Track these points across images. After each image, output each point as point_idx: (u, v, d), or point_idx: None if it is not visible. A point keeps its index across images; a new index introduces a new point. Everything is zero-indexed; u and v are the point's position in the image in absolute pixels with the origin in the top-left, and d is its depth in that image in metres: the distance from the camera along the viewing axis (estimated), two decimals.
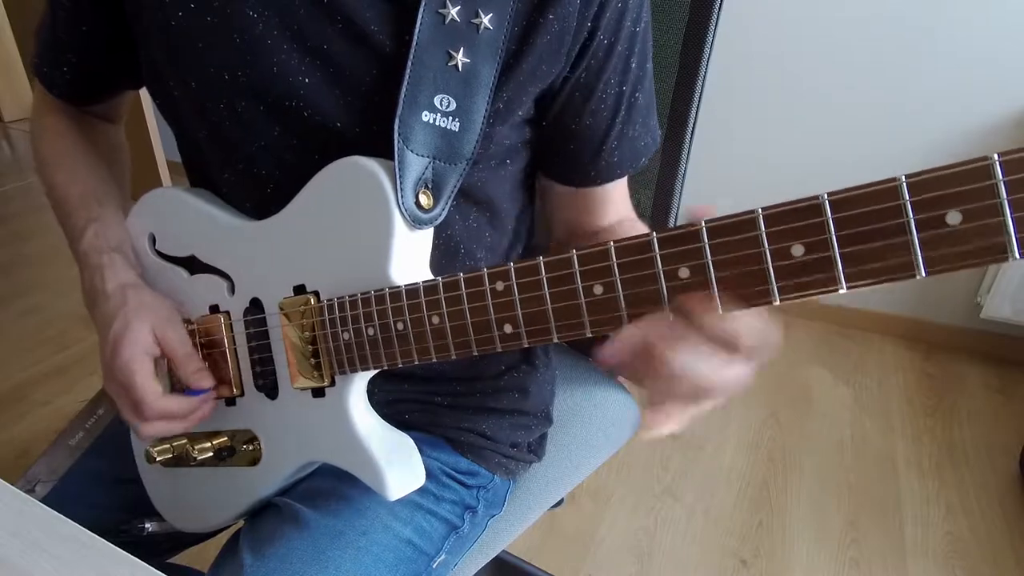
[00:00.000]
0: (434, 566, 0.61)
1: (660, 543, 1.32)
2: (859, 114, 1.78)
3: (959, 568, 1.27)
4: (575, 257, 0.39)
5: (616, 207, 0.64)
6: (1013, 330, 1.84)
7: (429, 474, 0.62)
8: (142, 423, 0.55)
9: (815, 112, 1.83)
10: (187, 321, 0.60)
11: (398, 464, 0.51)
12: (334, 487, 0.59)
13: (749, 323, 0.36)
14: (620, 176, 0.62)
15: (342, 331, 0.51)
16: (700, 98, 0.69)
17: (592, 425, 0.81)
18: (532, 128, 0.58)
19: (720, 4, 0.64)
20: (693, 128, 0.70)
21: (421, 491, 0.61)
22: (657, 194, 0.75)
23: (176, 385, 0.59)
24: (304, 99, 0.51)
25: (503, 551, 0.73)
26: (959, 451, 1.55)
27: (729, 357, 0.37)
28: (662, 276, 0.36)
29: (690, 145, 0.71)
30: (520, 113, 0.54)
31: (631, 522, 1.36)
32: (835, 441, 1.58)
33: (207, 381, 0.57)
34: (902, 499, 1.42)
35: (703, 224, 0.34)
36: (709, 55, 0.66)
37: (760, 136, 1.92)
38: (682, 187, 0.73)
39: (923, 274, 0.30)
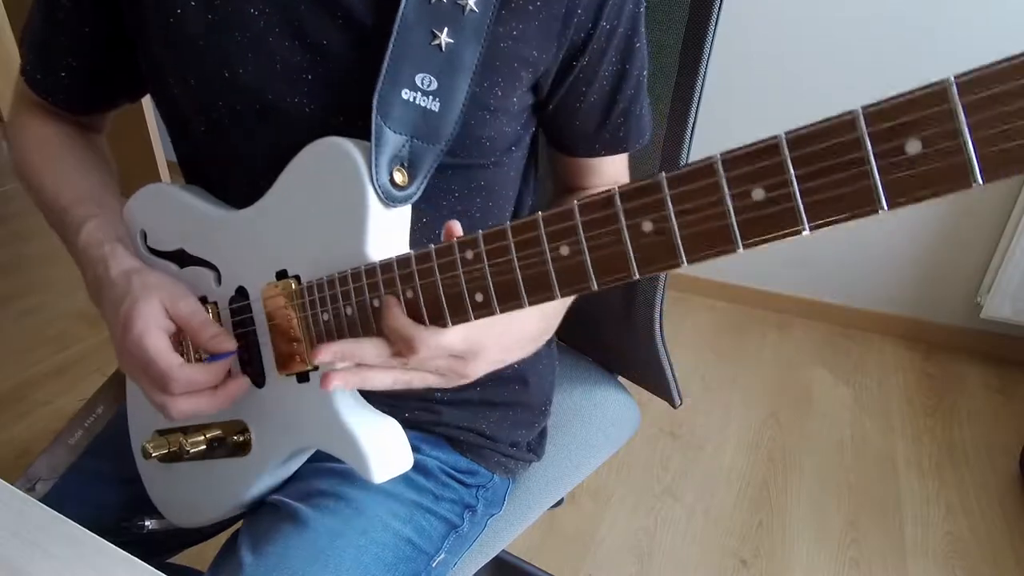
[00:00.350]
0: (434, 565, 0.61)
1: (660, 543, 1.32)
2: None
3: (959, 568, 1.27)
4: (540, 219, 0.39)
5: (610, 173, 0.67)
6: (1013, 330, 1.84)
7: (428, 473, 0.62)
8: (169, 399, 0.51)
9: (815, 112, 1.81)
10: None
11: (383, 447, 0.51)
12: (333, 486, 0.59)
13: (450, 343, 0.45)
14: (625, 150, 0.65)
15: (321, 312, 0.51)
16: (700, 98, 0.68)
17: (592, 425, 0.81)
18: (532, 113, 0.59)
19: (720, 4, 0.64)
20: (693, 128, 0.70)
21: (420, 490, 0.61)
22: None
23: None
24: (306, 95, 0.51)
25: (503, 551, 0.73)
26: (959, 451, 1.55)
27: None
28: (626, 231, 0.36)
29: (690, 145, 0.71)
30: (515, 100, 0.54)
31: (631, 522, 1.36)
32: (835, 441, 1.58)
33: (229, 343, 0.54)
34: (902, 499, 1.42)
35: (663, 175, 0.34)
36: (709, 55, 0.66)
37: (760, 136, 1.92)
38: None
39: (885, 207, 0.29)
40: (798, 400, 1.71)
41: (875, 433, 1.60)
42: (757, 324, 2.04)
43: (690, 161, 0.34)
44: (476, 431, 0.66)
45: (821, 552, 1.30)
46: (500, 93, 0.53)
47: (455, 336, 0.46)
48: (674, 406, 0.85)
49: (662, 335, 0.80)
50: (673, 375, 0.83)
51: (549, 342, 0.73)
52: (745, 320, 2.06)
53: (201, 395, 0.53)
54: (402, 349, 0.46)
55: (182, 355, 0.55)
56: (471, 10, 0.49)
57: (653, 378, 0.84)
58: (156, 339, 0.51)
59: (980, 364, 1.86)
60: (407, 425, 0.55)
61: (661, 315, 0.79)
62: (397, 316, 0.45)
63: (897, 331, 1.97)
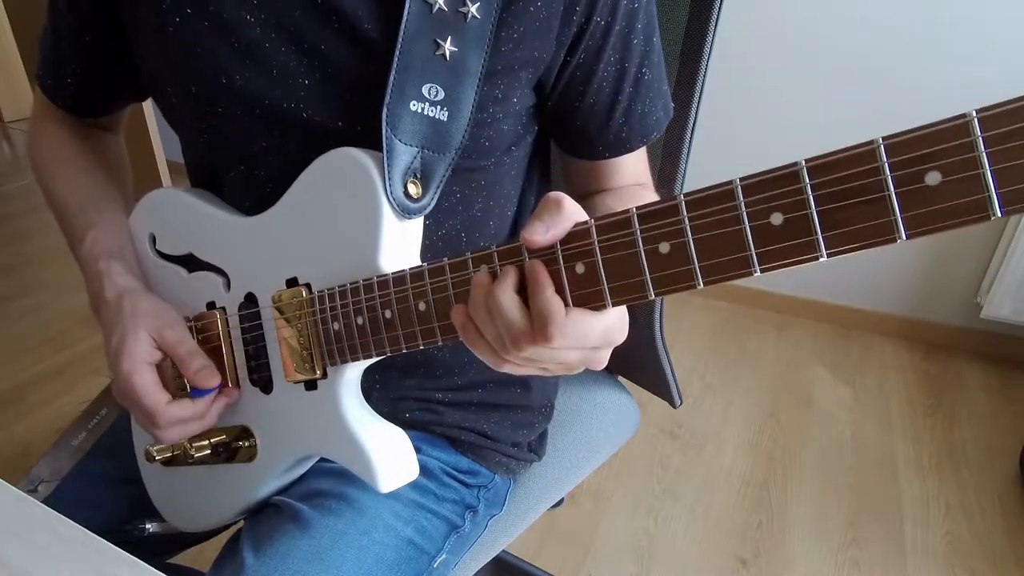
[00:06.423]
0: (435, 565, 0.61)
1: (660, 543, 1.32)
2: (860, 114, 1.78)
3: (959, 568, 1.27)
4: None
5: (628, 173, 0.63)
6: (1013, 330, 1.84)
7: (430, 473, 0.62)
8: (157, 431, 0.55)
9: (816, 112, 1.83)
10: (184, 319, 0.60)
11: (390, 456, 0.51)
12: (335, 487, 0.59)
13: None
14: (630, 150, 0.61)
15: (332, 322, 0.51)
16: (700, 98, 0.69)
17: (592, 425, 0.81)
18: (534, 112, 0.58)
19: (720, 4, 0.64)
20: (693, 128, 0.70)
21: (422, 490, 0.61)
22: (658, 194, 0.75)
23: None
24: (303, 100, 0.51)
25: (503, 551, 0.73)
26: (959, 451, 1.55)
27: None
28: (643, 254, 0.36)
29: (690, 145, 0.71)
30: (515, 100, 0.54)
31: (631, 522, 1.36)
32: (835, 441, 1.58)
33: (212, 379, 0.57)
34: (902, 499, 1.42)
35: (682, 198, 0.34)
36: (709, 55, 0.66)
37: (760, 136, 1.92)
38: (682, 187, 0.73)
39: (904, 237, 0.29)
40: (798, 400, 1.71)
41: (875, 433, 1.60)
42: (757, 324, 2.04)
43: (709, 185, 0.34)
44: (477, 431, 0.66)
45: (821, 552, 1.30)
46: (500, 95, 0.53)
47: (611, 318, 0.40)
48: (674, 406, 0.86)
49: (662, 335, 0.80)
50: (673, 375, 0.83)
51: None
52: (745, 320, 2.06)
53: (186, 425, 0.56)
54: (535, 334, 0.39)
55: (175, 376, 0.57)
56: (473, 17, 0.49)
57: (653, 378, 0.84)
58: (142, 377, 0.54)
59: (980, 364, 1.86)
60: (408, 425, 0.55)
61: (661, 315, 0.79)
62: (544, 289, 0.38)
63: (897, 331, 1.97)
